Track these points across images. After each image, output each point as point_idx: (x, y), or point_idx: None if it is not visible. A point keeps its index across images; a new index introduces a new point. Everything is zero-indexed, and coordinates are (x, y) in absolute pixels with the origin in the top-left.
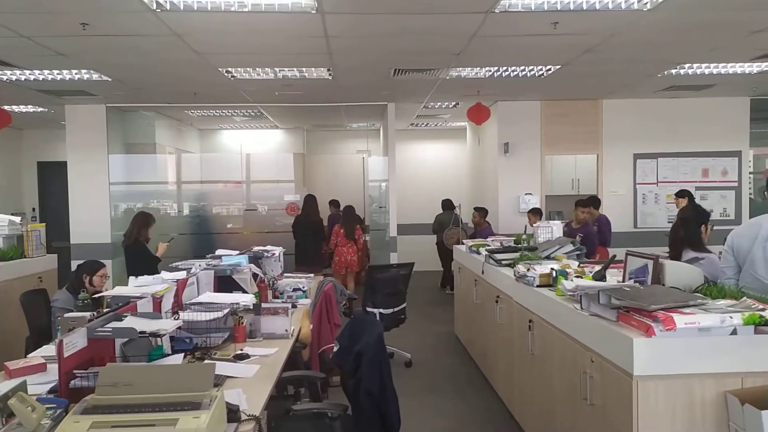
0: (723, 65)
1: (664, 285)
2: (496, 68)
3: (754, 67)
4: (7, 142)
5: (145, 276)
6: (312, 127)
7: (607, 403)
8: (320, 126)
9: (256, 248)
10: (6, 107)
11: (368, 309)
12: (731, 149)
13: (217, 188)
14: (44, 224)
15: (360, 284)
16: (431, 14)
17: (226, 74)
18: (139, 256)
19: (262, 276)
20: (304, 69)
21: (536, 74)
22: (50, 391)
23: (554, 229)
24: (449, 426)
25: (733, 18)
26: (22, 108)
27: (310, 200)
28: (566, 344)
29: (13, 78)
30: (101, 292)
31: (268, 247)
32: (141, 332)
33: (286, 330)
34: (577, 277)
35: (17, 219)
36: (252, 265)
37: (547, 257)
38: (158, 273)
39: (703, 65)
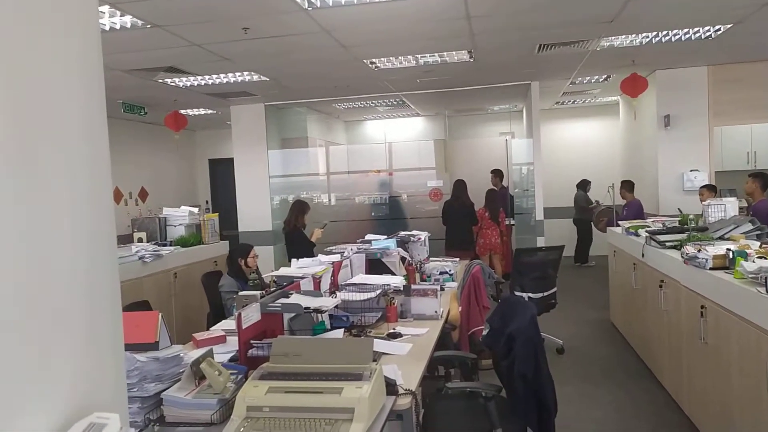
0: None
1: None
2: (654, 33)
3: None
4: (183, 142)
5: (305, 258)
6: (453, 113)
7: None
8: (461, 111)
9: (402, 233)
10: (182, 111)
11: (516, 293)
12: None
13: (363, 177)
14: (217, 214)
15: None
16: None
17: (370, 65)
18: (297, 241)
19: (410, 259)
20: (445, 53)
21: (702, 36)
22: (231, 360)
23: (728, 207)
24: (607, 416)
25: None
26: (195, 111)
27: (459, 185)
28: (748, 332)
29: (188, 84)
30: (255, 270)
31: (414, 232)
32: (306, 308)
33: (436, 311)
34: (760, 258)
35: (195, 210)
36: (400, 249)
37: (721, 238)
38: (315, 256)
39: None
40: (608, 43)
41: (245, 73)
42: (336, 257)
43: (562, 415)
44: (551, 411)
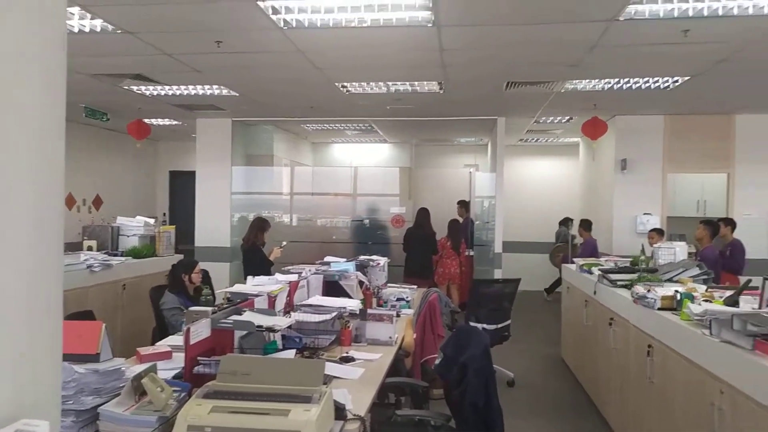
0: None
1: None
2: (616, 80)
3: None
4: (145, 152)
5: (261, 276)
6: (420, 142)
7: None
8: (428, 140)
9: (362, 257)
10: (146, 120)
11: (471, 323)
12: None
13: (327, 200)
14: (174, 227)
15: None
16: (551, 24)
17: (341, 89)
18: (254, 259)
19: (368, 284)
20: (416, 83)
21: (661, 86)
22: (175, 377)
23: (677, 250)
24: None
25: None
26: (159, 121)
27: (423, 213)
28: (692, 373)
29: (155, 93)
30: (200, 286)
31: (374, 257)
32: (258, 326)
33: (390, 337)
34: (706, 301)
35: (151, 221)
36: (358, 273)
37: (669, 280)
38: (272, 275)
39: None
40: (572, 86)
41: (215, 86)
42: (293, 277)
43: None
44: None
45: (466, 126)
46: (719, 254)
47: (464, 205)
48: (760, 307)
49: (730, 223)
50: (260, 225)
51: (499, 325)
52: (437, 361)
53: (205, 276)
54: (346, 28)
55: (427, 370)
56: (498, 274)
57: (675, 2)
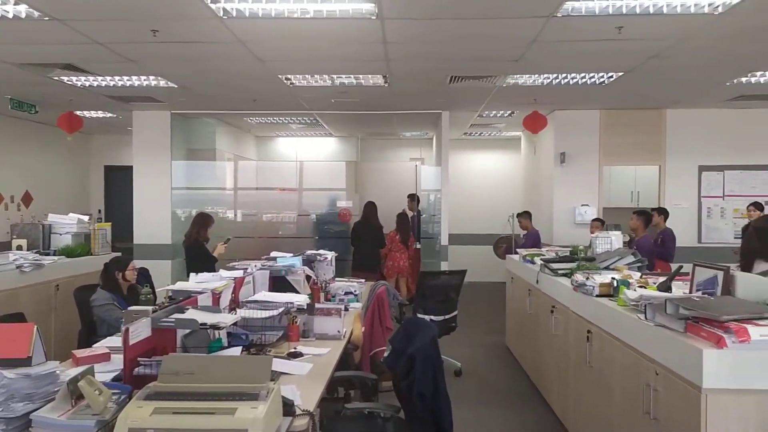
0: None
1: (734, 297)
2: (554, 75)
3: None
4: (77, 146)
5: (205, 273)
6: (365, 136)
7: (672, 417)
8: (373, 134)
9: (309, 252)
10: (78, 112)
11: (419, 315)
12: None
13: (272, 194)
14: (110, 224)
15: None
16: (491, 19)
17: (285, 81)
18: (197, 255)
19: (315, 279)
20: (360, 76)
21: (597, 82)
22: (114, 379)
23: (613, 240)
24: None
25: None
26: (93, 113)
27: (370, 207)
28: (628, 356)
29: (87, 84)
30: (135, 285)
31: (321, 251)
32: (202, 324)
33: (339, 331)
34: (640, 287)
35: (85, 218)
36: (305, 267)
37: (606, 268)
38: (216, 272)
39: None
40: (513, 81)
41: (151, 77)
42: (238, 273)
43: None
44: (448, 430)
45: (412, 120)
46: (652, 242)
47: (413, 199)
48: (690, 292)
49: (663, 213)
50: (203, 221)
51: (446, 316)
52: (386, 354)
53: (145, 274)
54: (288, 18)
55: (376, 362)
56: (444, 267)
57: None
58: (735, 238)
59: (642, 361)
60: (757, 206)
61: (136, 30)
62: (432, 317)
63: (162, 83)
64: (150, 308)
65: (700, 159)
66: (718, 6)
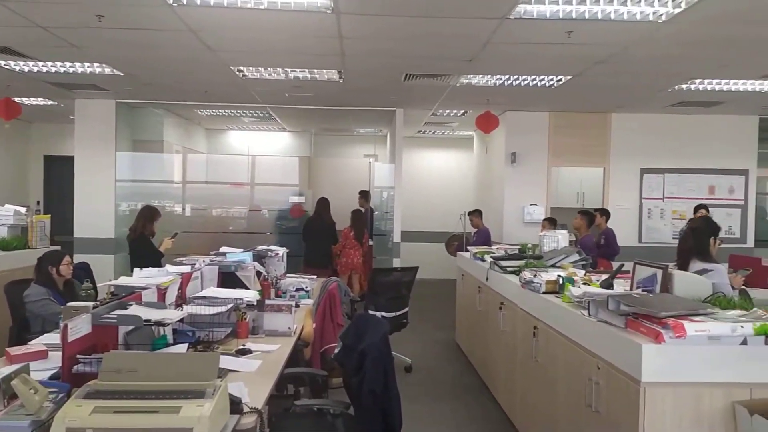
0: (734, 82)
1: (672, 294)
2: (507, 77)
3: (765, 86)
4: (15, 134)
5: (150, 268)
6: (319, 131)
7: (613, 410)
8: (327, 130)
9: (260, 247)
10: (16, 99)
11: (371, 312)
12: (738, 167)
13: (223, 189)
14: (49, 216)
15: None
16: (446, 18)
17: (237, 73)
18: (143, 250)
19: (266, 274)
20: (315, 70)
21: (546, 84)
22: (52, 377)
23: (560, 238)
24: None
25: (745, 34)
26: (33, 101)
27: (323, 202)
28: (572, 351)
29: (26, 69)
30: (71, 280)
31: (272, 247)
32: (146, 320)
33: (289, 327)
34: (584, 284)
35: (23, 210)
36: (256, 263)
37: (553, 266)
38: (162, 267)
39: (714, 81)
40: (467, 81)
41: (96, 64)
42: (186, 268)
43: (407, 430)
44: (396, 428)
45: (366, 116)
46: (595, 242)
47: (365, 196)
48: (631, 289)
49: (605, 213)
50: (149, 214)
51: (398, 313)
52: (336, 350)
53: (86, 269)
54: (241, 8)
55: (327, 359)
56: (397, 263)
57: (560, 4)
58: (673, 238)
59: (585, 356)
60: (603, 212)
61: (80, 14)
62: (383, 314)
63: (107, 71)
64: (91, 304)
65: (641, 162)
66: (661, 15)
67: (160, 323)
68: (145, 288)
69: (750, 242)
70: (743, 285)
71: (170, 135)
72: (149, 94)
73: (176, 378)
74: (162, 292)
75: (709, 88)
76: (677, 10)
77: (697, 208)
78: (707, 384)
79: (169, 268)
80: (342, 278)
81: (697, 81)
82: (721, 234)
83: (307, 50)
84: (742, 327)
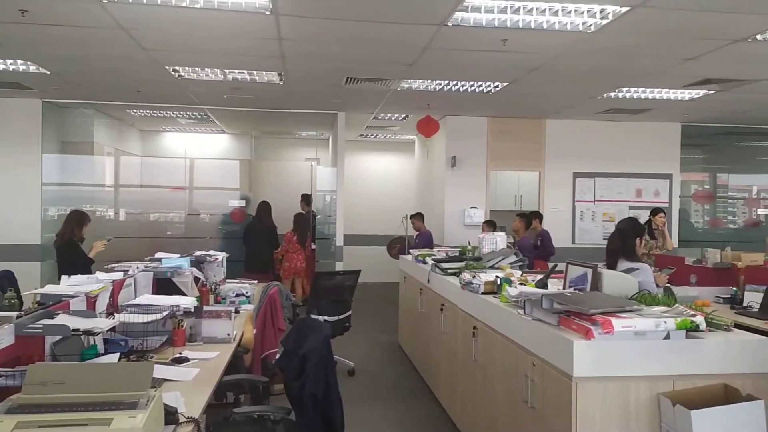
0: (658, 90)
1: (601, 292)
2: (446, 82)
3: (686, 94)
4: None
5: (79, 275)
6: (260, 134)
7: (547, 405)
8: (268, 132)
9: (198, 253)
10: None
11: (313, 316)
12: (663, 172)
13: (160, 193)
14: None
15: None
16: (386, 23)
17: (172, 73)
18: (71, 256)
19: (204, 280)
20: (254, 72)
21: (485, 90)
22: None
23: (498, 240)
24: None
25: (668, 45)
26: None
27: (264, 206)
28: (509, 349)
29: None
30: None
31: (211, 252)
32: (74, 330)
33: (228, 334)
34: (521, 284)
35: None
36: (194, 269)
37: (492, 267)
38: (93, 274)
39: (640, 90)
40: (407, 85)
41: (19, 61)
42: (118, 275)
43: None
44: (339, 430)
45: (307, 119)
46: (532, 244)
47: (306, 199)
48: (564, 288)
49: (538, 216)
50: (78, 219)
51: (340, 317)
52: (278, 356)
53: (9, 277)
54: (176, 7)
55: (268, 365)
56: (339, 267)
57: (496, 13)
58: (603, 239)
59: (521, 354)
60: (535, 215)
61: (1, 8)
62: (326, 317)
63: (32, 68)
64: (14, 314)
65: (574, 166)
66: (590, 25)
67: (90, 332)
68: (73, 296)
69: (674, 243)
70: (667, 283)
71: (101, 136)
72: (78, 94)
73: (107, 389)
74: (92, 300)
75: (635, 96)
76: (605, 21)
77: (656, 211)
78: (634, 377)
79: (99, 275)
80: (285, 283)
81: (625, 89)
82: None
83: (245, 51)
84: (665, 322)
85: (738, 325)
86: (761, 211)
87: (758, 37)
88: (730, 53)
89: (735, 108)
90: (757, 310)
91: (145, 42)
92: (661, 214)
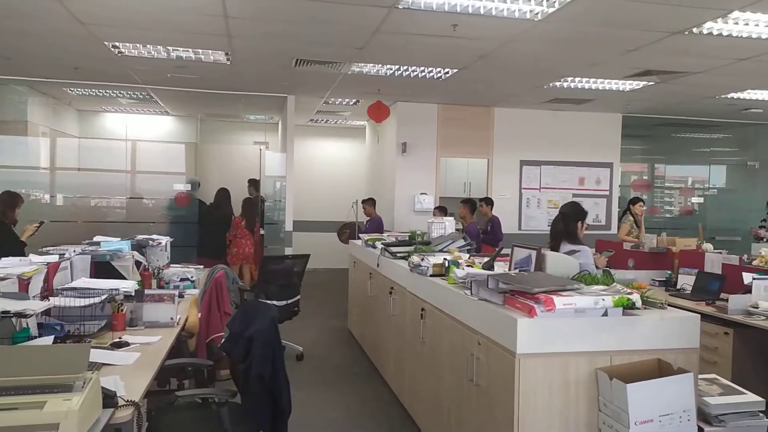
0: (600, 81)
1: (545, 272)
2: (397, 67)
3: (627, 85)
4: None
5: (11, 257)
6: (206, 116)
7: (492, 382)
8: (215, 115)
9: (140, 236)
10: None
11: (261, 300)
12: (605, 161)
13: (99, 176)
14: None
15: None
16: (336, 3)
17: (112, 49)
18: (2, 239)
19: (146, 264)
20: (200, 51)
21: (435, 76)
22: None
23: (447, 225)
24: (340, 416)
25: (611, 35)
26: None
27: (223, 193)
28: (455, 329)
29: None
30: None
31: (154, 236)
32: (4, 312)
33: (171, 318)
34: (468, 266)
35: None
36: (135, 253)
37: (440, 251)
38: (25, 256)
39: (584, 80)
40: (358, 69)
41: None
42: (53, 258)
43: (297, 417)
44: (286, 413)
45: (256, 102)
46: (482, 230)
47: (254, 184)
48: (510, 269)
49: (490, 203)
50: (9, 200)
51: (289, 301)
52: (223, 339)
53: None
54: None
55: (213, 349)
56: (289, 253)
57: None
58: (548, 226)
59: (467, 333)
60: (488, 201)
61: None
62: (274, 302)
63: None
64: None
65: (521, 154)
66: (537, 13)
67: (21, 314)
68: (3, 278)
69: (614, 229)
70: (606, 265)
71: (36, 116)
72: (10, 70)
73: (40, 372)
74: (24, 282)
75: (579, 86)
76: (551, 9)
77: (635, 200)
78: (573, 353)
79: (33, 257)
80: (233, 269)
81: (569, 79)
82: (588, 220)
83: (190, 28)
84: (603, 300)
85: (672, 305)
86: (695, 200)
87: (694, 30)
88: (669, 45)
89: (671, 100)
90: (689, 292)
91: (81, 15)
92: (640, 203)
